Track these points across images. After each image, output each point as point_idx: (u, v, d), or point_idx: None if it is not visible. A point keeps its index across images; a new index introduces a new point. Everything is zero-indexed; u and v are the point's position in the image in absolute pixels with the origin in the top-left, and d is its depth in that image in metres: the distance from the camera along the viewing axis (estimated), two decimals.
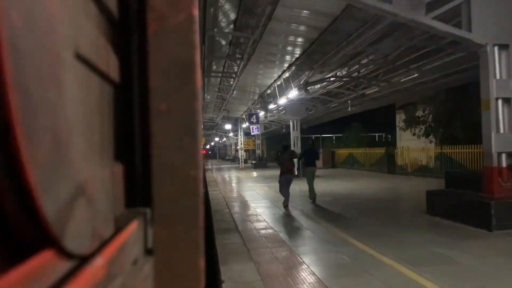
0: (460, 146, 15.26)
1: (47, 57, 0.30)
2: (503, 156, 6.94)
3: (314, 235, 6.79)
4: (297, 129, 21.64)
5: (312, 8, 8.93)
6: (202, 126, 16.49)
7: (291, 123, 21.78)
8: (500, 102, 6.98)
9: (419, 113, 18.60)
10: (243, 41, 11.01)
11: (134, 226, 0.48)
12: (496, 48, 6.91)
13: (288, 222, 8.19)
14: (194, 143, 0.53)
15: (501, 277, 4.28)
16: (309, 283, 4.28)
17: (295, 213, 9.19)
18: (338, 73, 14.21)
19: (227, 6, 9.48)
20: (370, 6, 6.63)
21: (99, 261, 0.34)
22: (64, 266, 0.31)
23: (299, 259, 5.28)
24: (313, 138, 15.93)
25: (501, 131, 6.95)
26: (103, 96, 0.50)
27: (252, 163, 34.11)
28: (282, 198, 9.84)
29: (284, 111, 21.62)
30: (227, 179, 20.92)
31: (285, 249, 5.83)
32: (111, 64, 0.51)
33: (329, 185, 15.19)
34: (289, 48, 12.18)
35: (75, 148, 0.35)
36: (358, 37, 9.78)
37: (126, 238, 0.44)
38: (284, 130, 33.57)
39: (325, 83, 15.37)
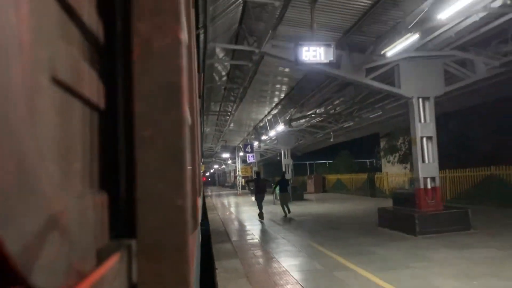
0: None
1: (16, 79, 0.28)
2: (428, 180, 9.27)
3: (287, 242, 8.99)
4: (288, 157, 24.02)
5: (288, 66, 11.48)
6: (202, 155, 18.52)
7: (282, 152, 24.15)
8: (424, 139, 9.36)
9: (400, 141, 20.96)
10: (236, 87, 13.53)
11: (115, 259, 0.45)
12: (420, 100, 9.36)
13: (269, 234, 10.39)
14: (180, 171, 0.50)
15: (399, 259, 6.50)
16: (274, 267, 6.50)
17: (276, 227, 11.39)
18: (317, 111, 16.70)
19: (220, 67, 12.05)
20: (325, 72, 9.14)
21: None
22: None
23: (272, 256, 7.50)
24: (284, 170, 18.71)
25: (426, 161, 9.30)
26: (85, 122, 0.47)
27: (250, 189, 36.14)
28: (267, 218, 12.12)
29: (276, 141, 24.00)
30: (225, 204, 23.09)
31: (263, 251, 8.04)
32: (94, 89, 0.49)
33: (313, 207, 17.42)
34: (276, 92, 14.70)
35: (47, 176, 0.32)
36: (326, 86, 12.30)
37: (105, 272, 0.41)
38: (278, 158, 35.70)
39: (307, 119, 17.84)
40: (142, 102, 0.50)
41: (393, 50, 8.20)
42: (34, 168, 0.30)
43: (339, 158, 31.29)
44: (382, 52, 8.48)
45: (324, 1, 7.45)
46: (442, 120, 12.69)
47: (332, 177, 29.51)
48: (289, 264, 6.64)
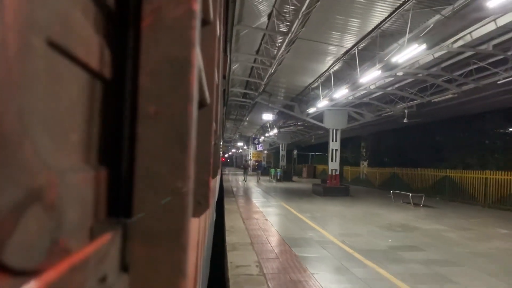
0: (371, 168, 26.63)
1: (2, 36, 0.26)
2: (334, 171, 18.53)
3: (261, 195, 18.32)
4: (284, 149, 33.31)
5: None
6: (223, 140, 27.39)
7: (280, 145, 33.48)
8: (334, 150, 18.57)
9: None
10: (247, 104, 22.75)
11: (108, 238, 0.43)
12: (334, 130, 18.52)
13: (254, 193, 19.77)
14: (184, 152, 0.47)
15: (308, 203, 15.75)
16: (250, 203, 15.95)
17: (259, 191, 20.81)
18: (299, 123, 25.89)
19: (237, 84, 21.31)
20: (284, 112, 18.48)
21: (46, 278, 0.29)
22: (6, 284, 0.26)
23: (251, 199, 16.89)
24: (261, 160, 28.67)
25: (333, 161, 18.43)
26: (87, 92, 0.45)
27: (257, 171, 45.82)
28: (254, 185, 21.63)
29: (276, 137, 33.35)
30: (236, 179, 32.64)
31: (248, 198, 17.44)
32: (99, 57, 0.46)
33: (291, 184, 26.73)
34: (271, 109, 23.94)
35: (32, 148, 0.30)
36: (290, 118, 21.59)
37: (93, 251, 0.39)
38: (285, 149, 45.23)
39: (292, 127, 27.03)
40: (147, 76, 0.47)
41: (320, 105, 17.31)
42: (17, 139, 0.28)
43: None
44: (316, 104, 17.64)
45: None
46: (364, 139, 21.89)
47: (320, 167, 38.64)
48: (257, 202, 15.96)
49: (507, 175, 14.24)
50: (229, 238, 7.97)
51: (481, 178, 15.38)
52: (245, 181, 27.65)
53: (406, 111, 16.14)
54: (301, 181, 31.86)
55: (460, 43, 10.03)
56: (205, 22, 0.93)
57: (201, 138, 0.91)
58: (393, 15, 9.49)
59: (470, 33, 9.55)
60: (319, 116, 18.80)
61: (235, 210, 12.47)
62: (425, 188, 18.50)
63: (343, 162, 35.48)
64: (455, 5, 8.59)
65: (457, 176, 17.07)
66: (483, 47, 10.19)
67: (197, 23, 0.52)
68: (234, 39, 11.97)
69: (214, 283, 5.58)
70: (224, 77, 4.42)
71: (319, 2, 9.09)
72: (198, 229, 1.35)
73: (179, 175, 0.48)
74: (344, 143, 37.85)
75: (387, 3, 9.18)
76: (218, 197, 12.26)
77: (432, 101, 15.13)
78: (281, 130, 26.86)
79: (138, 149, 0.47)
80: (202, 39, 0.87)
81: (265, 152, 47.81)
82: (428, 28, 9.47)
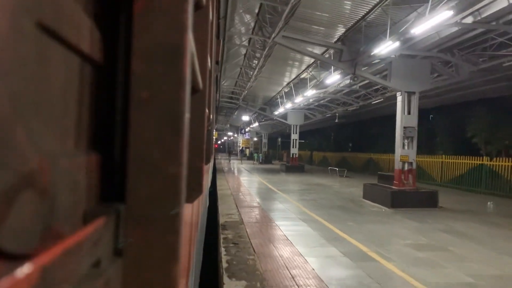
0: (330, 152, 34.37)
1: None
2: (293, 154, 26.19)
3: (244, 173, 25.90)
4: (265, 138, 40.94)
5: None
6: (215, 122, 34.87)
7: (262, 135, 41.10)
8: (294, 140, 26.19)
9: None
10: (233, 106, 30.08)
11: (101, 223, 0.44)
12: (294, 125, 26.08)
13: (239, 171, 27.34)
14: (177, 137, 0.47)
15: (276, 177, 23.33)
16: (236, 178, 23.53)
17: (243, 170, 28.41)
18: (274, 119, 33.37)
19: (226, 92, 28.74)
20: (260, 112, 26.00)
21: (39, 262, 0.29)
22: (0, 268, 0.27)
23: (237, 175, 24.46)
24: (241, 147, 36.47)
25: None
26: (79, 76, 0.45)
27: (246, 157, 53.56)
28: (243, 165, 29.27)
29: (259, 128, 40.93)
30: (228, 163, 40.22)
31: (234, 175, 24.99)
32: (92, 42, 0.46)
33: (269, 166, 34.36)
34: (250, 110, 31.35)
35: (24, 133, 0.30)
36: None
37: (87, 236, 0.39)
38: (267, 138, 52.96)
39: (269, 121, 34.52)
40: (140, 61, 0.46)
41: (282, 109, 24.68)
42: (8, 122, 0.28)
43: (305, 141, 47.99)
44: (280, 108, 25.04)
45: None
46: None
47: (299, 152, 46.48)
48: (243, 178, 23.35)
49: None
50: (219, 193, 15.45)
51: (389, 159, 23.10)
52: (229, 161, 37.77)
53: (337, 114, 23.67)
54: (279, 164, 39.63)
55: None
56: (198, 6, 0.91)
57: (194, 124, 0.91)
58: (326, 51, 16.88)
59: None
60: (285, 116, 26.26)
61: (223, 178, 19.97)
62: (359, 166, 26.24)
63: (313, 148, 43.41)
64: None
65: (377, 158, 24.82)
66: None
67: (190, 7, 0.51)
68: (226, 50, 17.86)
69: (211, 227, 8.03)
70: (217, 62, 4.36)
71: (274, 49, 16.43)
72: (191, 214, 1.39)
73: (172, 161, 0.47)
74: (313, 133, 45.84)
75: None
76: (211, 175, 15.52)
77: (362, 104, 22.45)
78: (260, 123, 34.41)
79: (131, 135, 0.46)
80: (195, 23, 0.84)
81: (255, 139, 55.41)
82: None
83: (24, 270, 0.28)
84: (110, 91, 0.52)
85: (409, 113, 11.43)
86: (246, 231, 7.44)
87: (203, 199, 2.49)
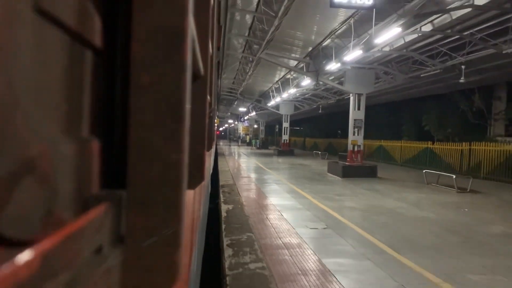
0: (320, 139, 38.57)
1: None
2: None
3: (242, 156, 30.14)
4: (262, 126, 45.09)
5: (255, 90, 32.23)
6: (217, 108, 39.13)
7: (260, 123, 45.23)
8: (286, 128, 30.36)
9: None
10: (233, 95, 34.14)
11: (102, 209, 0.44)
12: (285, 115, 30.22)
13: (238, 154, 31.59)
14: (178, 123, 0.47)
15: (267, 158, 27.57)
16: (234, 159, 27.81)
17: (242, 153, 32.67)
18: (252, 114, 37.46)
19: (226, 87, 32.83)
20: (256, 104, 30.19)
21: (40, 248, 0.30)
22: (1, 254, 0.27)
23: (235, 157, 28.71)
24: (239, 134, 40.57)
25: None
26: (78, 61, 0.44)
27: (246, 143, 57.86)
28: (241, 150, 33.53)
29: (257, 116, 45.06)
30: (228, 148, 44.47)
31: (233, 156, 29.24)
32: (91, 26, 0.46)
33: (265, 151, 38.61)
34: (247, 102, 35.41)
35: (23, 118, 0.30)
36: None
37: (88, 222, 0.39)
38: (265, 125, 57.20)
39: (265, 111, 38.65)
40: (140, 45, 0.45)
41: (274, 101, 28.73)
42: (7, 108, 0.28)
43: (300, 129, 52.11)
44: (272, 100, 29.12)
45: None
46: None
47: (292, 138, 50.59)
48: (240, 160, 27.68)
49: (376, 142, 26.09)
50: (220, 169, 19.62)
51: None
52: (230, 146, 42.28)
53: (320, 105, 27.77)
54: (272, 148, 43.93)
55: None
56: None
57: (196, 110, 0.91)
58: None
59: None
60: (278, 106, 30.35)
61: (223, 160, 24.17)
62: (342, 150, 30.41)
63: (307, 135, 47.63)
64: None
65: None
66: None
67: None
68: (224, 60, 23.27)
69: (212, 190, 16.57)
70: (218, 48, 4.25)
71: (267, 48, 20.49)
72: (193, 201, 1.39)
73: (173, 147, 0.47)
74: (307, 122, 50.05)
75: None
76: (213, 160, 16.04)
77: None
78: (257, 113, 38.56)
79: (131, 120, 0.46)
80: (196, 7, 0.83)
81: (255, 126, 59.59)
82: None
83: (25, 256, 0.28)
84: (110, 76, 0.52)
85: (358, 109, 15.57)
86: (237, 188, 11.68)
87: (205, 185, 2.55)
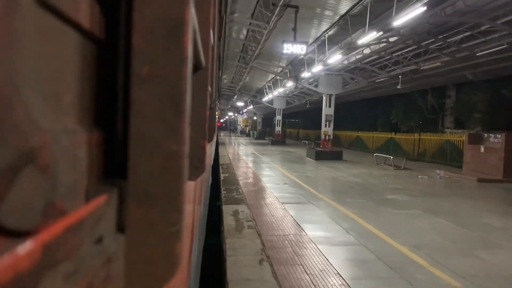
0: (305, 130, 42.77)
1: None
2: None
3: (240, 145, 34.32)
4: (259, 118, 49.23)
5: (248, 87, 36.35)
6: (218, 100, 43.46)
7: (257, 115, 49.36)
8: (278, 121, 34.52)
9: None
10: (231, 91, 38.25)
11: (103, 199, 0.44)
12: (279, 109, 34.37)
13: (237, 143, 35.78)
14: (179, 115, 0.48)
15: (262, 147, 31.74)
16: (233, 147, 32.01)
17: (240, 143, 36.89)
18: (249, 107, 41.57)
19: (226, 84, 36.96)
20: (253, 99, 34.38)
21: (41, 238, 0.30)
22: (1, 245, 0.27)
23: (234, 146, 32.90)
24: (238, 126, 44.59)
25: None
26: (79, 52, 0.44)
27: (245, 134, 62.07)
28: (240, 140, 37.75)
29: (254, 109, 49.15)
30: (228, 138, 48.60)
31: (232, 144, 33.42)
32: (92, 17, 0.45)
33: (261, 141, 42.77)
34: (244, 97, 39.51)
35: (24, 109, 0.30)
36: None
37: (89, 213, 0.39)
38: (262, 117, 61.33)
39: (261, 105, 42.78)
40: (141, 36, 0.46)
41: (267, 97, 32.82)
42: (7, 99, 0.28)
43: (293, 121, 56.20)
44: (267, 96, 33.21)
45: None
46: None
47: (288, 130, 54.80)
48: (237, 148, 31.87)
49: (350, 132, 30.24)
50: (220, 155, 23.73)
51: (339, 134, 31.35)
52: (230, 137, 45.66)
53: (308, 101, 31.86)
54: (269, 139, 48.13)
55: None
56: None
57: (197, 101, 0.91)
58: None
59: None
60: (272, 101, 34.44)
61: (223, 148, 28.34)
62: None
63: (299, 127, 51.76)
64: None
65: (334, 133, 33.17)
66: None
67: None
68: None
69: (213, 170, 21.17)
70: (219, 39, 4.21)
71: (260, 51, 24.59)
72: (194, 192, 1.39)
73: (174, 138, 0.47)
74: (301, 114, 54.01)
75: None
76: (214, 151, 25.44)
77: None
78: (254, 106, 42.70)
79: (132, 111, 0.47)
80: None
81: (254, 118, 63.81)
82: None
83: (26, 246, 0.28)
84: (111, 67, 0.51)
85: (329, 106, 19.73)
86: (233, 167, 15.88)
87: (206, 177, 2.46)
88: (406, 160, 17.16)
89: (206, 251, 4.72)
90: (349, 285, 4.02)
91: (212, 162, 6.63)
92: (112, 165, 0.51)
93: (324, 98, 19.89)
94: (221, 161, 18.50)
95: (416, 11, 8.42)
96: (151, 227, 0.48)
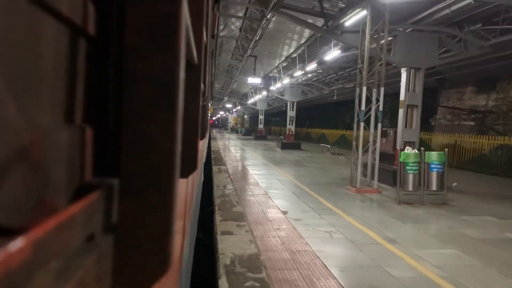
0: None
1: None
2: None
3: (229, 140, 41.28)
4: (247, 117, 56.29)
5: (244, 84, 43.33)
6: (211, 98, 50.81)
7: (246, 114, 56.42)
8: (261, 119, 41.68)
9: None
10: (222, 91, 45.16)
11: (94, 197, 0.43)
12: (261, 110, 41.49)
13: (227, 138, 42.74)
14: (171, 112, 0.47)
15: (255, 145, 38.81)
16: (222, 141, 39.06)
17: (230, 138, 43.90)
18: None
19: (217, 88, 43.92)
20: (240, 101, 41.44)
21: (32, 235, 0.29)
22: None
23: (224, 140, 39.92)
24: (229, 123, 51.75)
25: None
26: (71, 49, 0.44)
27: (235, 131, 69.10)
28: (229, 135, 44.85)
29: (242, 109, 56.14)
30: (220, 134, 55.46)
31: (223, 139, 40.38)
32: (84, 13, 0.46)
33: (248, 137, 49.79)
34: (233, 98, 46.43)
35: (15, 106, 0.30)
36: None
37: (79, 210, 0.39)
38: (250, 116, 68.49)
39: (247, 106, 49.81)
40: (133, 33, 0.45)
41: (252, 100, 39.84)
42: None
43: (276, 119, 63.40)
44: (251, 99, 40.24)
45: None
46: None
47: (273, 128, 61.91)
48: (226, 142, 38.77)
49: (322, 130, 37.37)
50: (212, 145, 30.62)
51: (317, 132, 38.45)
52: (221, 133, 51.92)
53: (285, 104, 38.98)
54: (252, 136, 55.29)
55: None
56: None
57: (189, 99, 0.92)
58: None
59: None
60: (256, 103, 41.42)
61: (214, 141, 35.30)
62: (303, 136, 41.89)
63: (281, 125, 58.83)
64: None
65: (311, 131, 40.35)
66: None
67: None
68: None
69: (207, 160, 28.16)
70: (212, 36, 4.22)
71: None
72: (186, 189, 1.40)
73: (166, 135, 0.47)
74: (283, 114, 61.02)
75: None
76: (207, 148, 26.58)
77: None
78: (242, 107, 49.83)
79: (124, 108, 0.46)
80: None
81: (245, 117, 70.94)
82: None
83: (17, 244, 0.27)
84: (104, 64, 0.51)
85: (292, 110, 26.98)
86: (221, 153, 22.93)
87: (198, 174, 2.46)
88: (348, 150, 24.41)
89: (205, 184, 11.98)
90: (260, 186, 11.24)
91: (204, 160, 6.96)
92: (104, 162, 0.52)
93: (288, 104, 27.13)
94: (213, 150, 25.57)
95: (334, 53, 15.34)
96: (142, 225, 0.47)
